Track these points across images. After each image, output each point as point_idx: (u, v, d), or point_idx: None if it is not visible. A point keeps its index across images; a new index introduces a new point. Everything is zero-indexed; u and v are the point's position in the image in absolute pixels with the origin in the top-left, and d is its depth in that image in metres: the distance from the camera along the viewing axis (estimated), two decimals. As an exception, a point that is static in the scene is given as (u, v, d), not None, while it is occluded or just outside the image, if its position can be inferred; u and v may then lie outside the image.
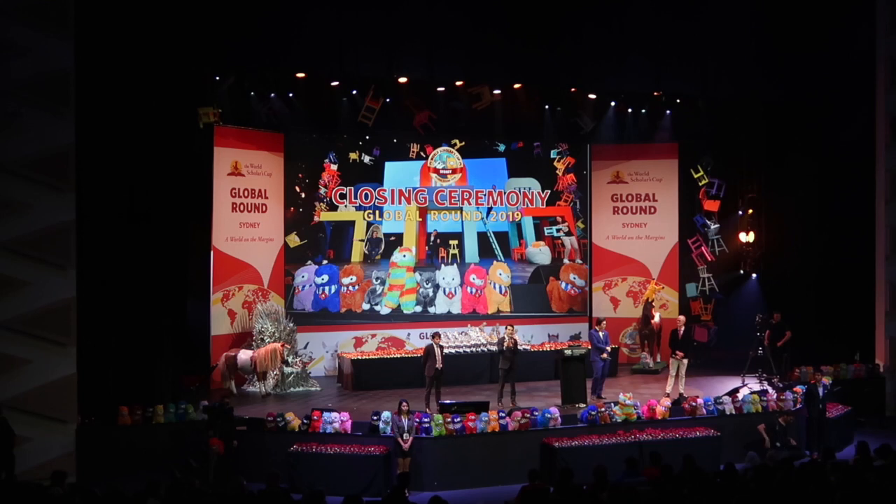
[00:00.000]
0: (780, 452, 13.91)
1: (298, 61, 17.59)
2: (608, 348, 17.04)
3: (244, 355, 17.43)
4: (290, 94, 18.69)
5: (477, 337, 19.10)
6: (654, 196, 21.19)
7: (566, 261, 21.16)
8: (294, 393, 17.61)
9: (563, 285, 21.13)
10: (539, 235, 21.00)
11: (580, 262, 21.25)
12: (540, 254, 21.00)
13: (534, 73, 18.72)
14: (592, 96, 20.43)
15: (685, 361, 16.52)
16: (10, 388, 13.24)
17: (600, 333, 16.94)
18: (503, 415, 14.29)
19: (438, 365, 15.86)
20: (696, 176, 21.16)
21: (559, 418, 14.44)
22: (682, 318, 17.58)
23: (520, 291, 20.86)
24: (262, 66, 17.64)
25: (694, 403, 15.04)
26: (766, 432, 14.60)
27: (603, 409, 14.64)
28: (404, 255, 20.09)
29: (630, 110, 20.82)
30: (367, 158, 19.85)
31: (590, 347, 16.91)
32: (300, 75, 18.24)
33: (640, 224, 21.27)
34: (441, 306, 20.32)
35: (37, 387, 13.40)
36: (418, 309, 20.19)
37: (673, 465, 10.43)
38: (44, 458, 13.18)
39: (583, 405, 15.48)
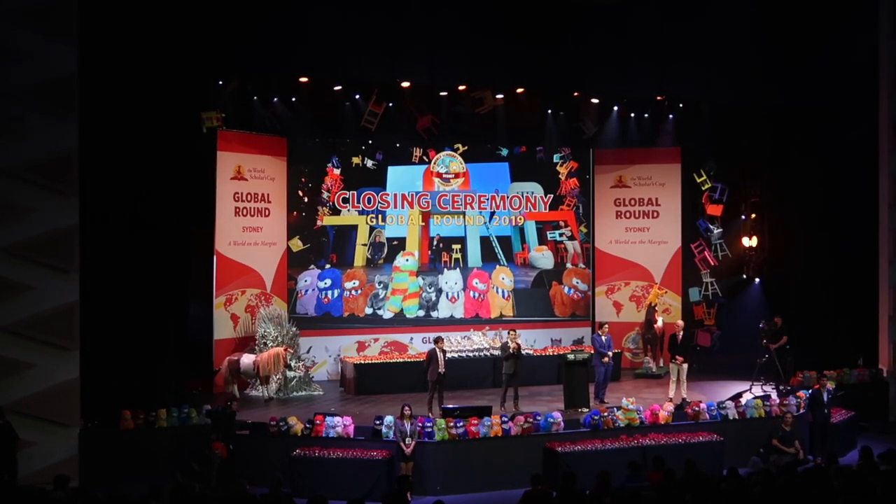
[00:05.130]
0: (784, 457, 13.89)
1: (301, 65, 17.63)
2: (610, 353, 17.02)
3: (247, 359, 17.42)
4: (293, 99, 18.74)
5: (479, 341, 19.09)
6: (656, 200, 21.17)
7: (569, 265, 21.13)
8: (297, 397, 17.61)
9: (566, 289, 21.10)
10: (542, 240, 20.98)
11: (583, 266, 21.23)
12: (543, 258, 20.98)
13: (536, 77, 18.74)
14: (595, 100, 20.47)
15: (685, 366, 16.52)
16: (12, 391, 13.19)
17: (602, 338, 16.94)
18: (506, 419, 14.26)
19: (441, 369, 15.87)
20: (699, 180, 21.15)
21: (562, 423, 14.41)
22: (680, 322, 17.56)
23: (522, 296, 20.85)
24: (265, 71, 17.68)
25: (697, 408, 15.02)
26: (782, 443, 14.53)
27: (606, 414, 14.62)
28: (407, 260, 20.08)
29: (633, 114, 20.83)
30: (369, 163, 19.86)
31: (592, 352, 16.92)
32: (303, 79, 18.28)
33: (643, 228, 21.24)
34: (444, 310, 20.30)
35: (40, 391, 13.34)
36: (421, 313, 20.18)
37: (676, 469, 10.43)
38: (46, 462, 13.11)
39: (586, 410, 15.47)
